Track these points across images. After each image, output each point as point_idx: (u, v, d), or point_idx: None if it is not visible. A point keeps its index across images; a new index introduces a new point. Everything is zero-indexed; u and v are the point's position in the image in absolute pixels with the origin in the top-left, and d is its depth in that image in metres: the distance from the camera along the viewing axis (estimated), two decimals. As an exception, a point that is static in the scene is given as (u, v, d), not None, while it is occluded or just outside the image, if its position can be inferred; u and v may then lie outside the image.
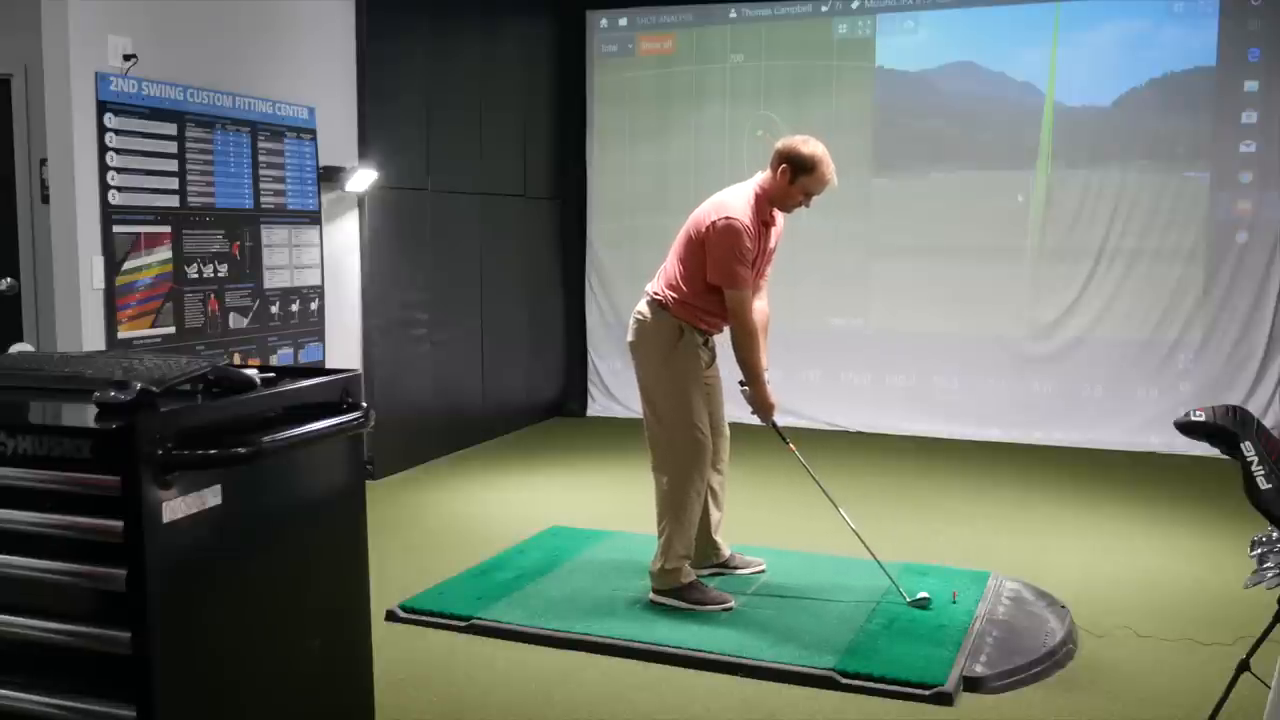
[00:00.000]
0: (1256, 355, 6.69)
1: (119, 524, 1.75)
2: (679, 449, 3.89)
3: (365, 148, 5.89)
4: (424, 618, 3.82)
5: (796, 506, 5.09)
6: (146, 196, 4.66)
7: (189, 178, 4.86)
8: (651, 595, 3.93)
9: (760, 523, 5.01)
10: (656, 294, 3.94)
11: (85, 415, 1.80)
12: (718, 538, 4.21)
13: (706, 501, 4.08)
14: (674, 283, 3.91)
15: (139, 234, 4.62)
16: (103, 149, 4.45)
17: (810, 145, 3.82)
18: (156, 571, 1.77)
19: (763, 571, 4.24)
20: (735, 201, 3.84)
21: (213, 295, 5.01)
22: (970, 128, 7.11)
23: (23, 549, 1.82)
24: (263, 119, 5.26)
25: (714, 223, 3.79)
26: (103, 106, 4.44)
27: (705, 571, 4.13)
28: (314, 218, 5.64)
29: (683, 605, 3.86)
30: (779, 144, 3.87)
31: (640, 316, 3.98)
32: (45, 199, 4.40)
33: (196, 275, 4.91)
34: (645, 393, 3.97)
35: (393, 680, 3.30)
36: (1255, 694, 2.66)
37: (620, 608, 3.88)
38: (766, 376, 3.95)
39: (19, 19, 4.33)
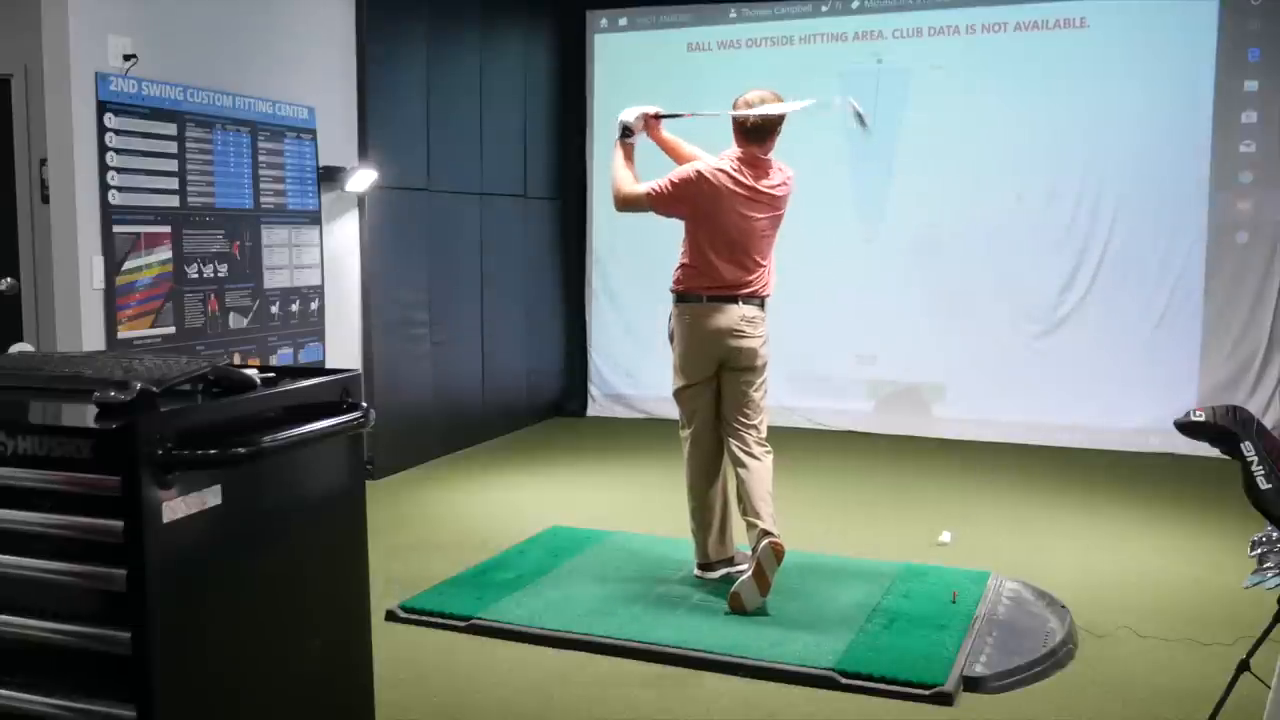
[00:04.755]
0: (1257, 355, 6.69)
1: (119, 524, 1.75)
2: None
3: (365, 148, 5.89)
4: (424, 618, 3.83)
5: (795, 506, 5.09)
6: (146, 196, 4.66)
7: (189, 178, 4.86)
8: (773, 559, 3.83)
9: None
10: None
11: (85, 415, 1.79)
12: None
13: (727, 504, 4.14)
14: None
15: (139, 234, 4.62)
16: (103, 149, 4.45)
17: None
18: (156, 571, 1.76)
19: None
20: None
21: (213, 295, 5.01)
22: (971, 127, 7.10)
23: (23, 549, 1.82)
24: (263, 119, 5.26)
25: None
26: (103, 106, 4.44)
27: (718, 574, 4.15)
28: (314, 218, 5.64)
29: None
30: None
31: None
32: (45, 199, 4.40)
33: (196, 275, 4.91)
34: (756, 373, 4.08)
35: (393, 680, 3.30)
36: (1255, 694, 2.66)
37: (620, 608, 3.88)
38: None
39: (19, 19, 4.33)
